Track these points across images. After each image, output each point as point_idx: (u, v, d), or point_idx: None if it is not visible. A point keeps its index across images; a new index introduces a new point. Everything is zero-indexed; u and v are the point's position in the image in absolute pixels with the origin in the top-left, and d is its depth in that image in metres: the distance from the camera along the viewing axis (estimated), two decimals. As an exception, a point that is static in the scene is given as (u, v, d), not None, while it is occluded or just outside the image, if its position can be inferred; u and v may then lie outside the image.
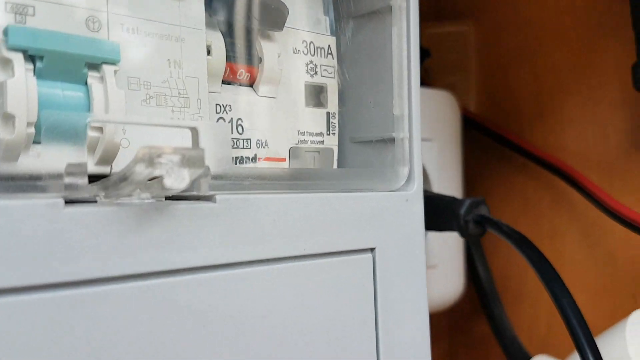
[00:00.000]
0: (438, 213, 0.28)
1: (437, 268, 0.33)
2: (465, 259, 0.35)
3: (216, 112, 0.18)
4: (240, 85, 0.19)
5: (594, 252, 0.33)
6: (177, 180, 0.14)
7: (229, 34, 0.18)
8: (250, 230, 0.16)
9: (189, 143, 0.15)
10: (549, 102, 0.35)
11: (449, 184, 0.34)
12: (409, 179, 0.20)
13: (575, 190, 0.32)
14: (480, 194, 0.39)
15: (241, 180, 0.16)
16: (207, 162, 0.14)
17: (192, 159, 0.14)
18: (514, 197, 0.37)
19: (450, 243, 0.33)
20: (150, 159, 0.13)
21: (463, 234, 0.27)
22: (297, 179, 0.17)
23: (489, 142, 0.37)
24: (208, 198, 0.15)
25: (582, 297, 0.25)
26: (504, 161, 0.37)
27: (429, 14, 0.35)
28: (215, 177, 0.15)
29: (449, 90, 0.34)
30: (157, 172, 0.13)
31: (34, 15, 0.14)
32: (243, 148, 0.18)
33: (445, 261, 0.33)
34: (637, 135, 0.31)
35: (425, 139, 0.32)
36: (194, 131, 0.15)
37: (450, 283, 0.34)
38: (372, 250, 0.19)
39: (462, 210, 0.27)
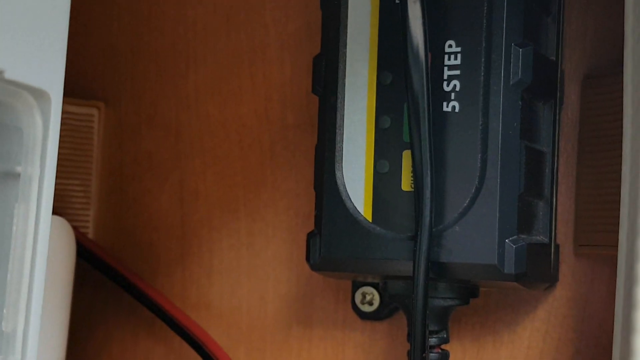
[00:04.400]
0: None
1: None
2: None
3: None
4: None
5: None
6: None
7: None
8: None
9: None
10: (194, 241, 0.40)
11: (49, 345, 0.36)
12: None
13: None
14: (90, 355, 0.42)
15: None
16: None
17: None
18: (135, 366, 0.41)
19: None
20: None
21: None
22: None
23: (108, 283, 0.41)
24: None
25: None
26: (126, 313, 0.41)
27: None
28: None
29: (63, 213, 0.37)
30: None
31: None
32: None
33: None
34: (300, 306, 0.39)
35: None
36: None
37: None
38: None
39: None
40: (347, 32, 0.33)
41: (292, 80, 0.39)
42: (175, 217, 0.41)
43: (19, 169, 0.22)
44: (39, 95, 0.22)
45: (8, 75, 0.21)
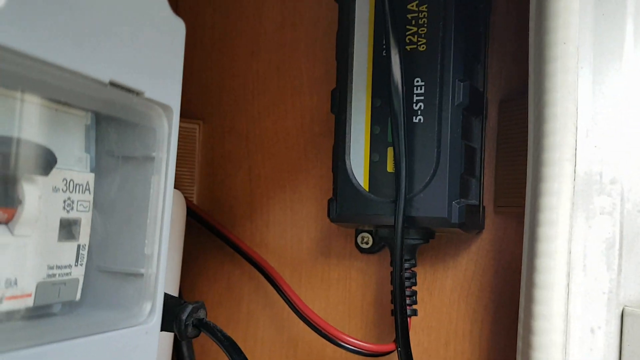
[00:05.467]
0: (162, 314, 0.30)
1: None
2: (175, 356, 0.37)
3: (-35, 257, 0.17)
4: (-6, 224, 0.18)
5: (281, 336, 0.39)
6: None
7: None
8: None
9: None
10: (257, 204, 0.40)
11: (170, 267, 0.36)
12: (151, 312, 0.22)
13: (269, 284, 0.38)
14: (194, 276, 0.42)
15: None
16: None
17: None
18: (221, 281, 0.41)
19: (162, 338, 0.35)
20: None
21: (181, 336, 0.29)
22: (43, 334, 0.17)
23: (205, 232, 0.41)
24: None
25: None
26: (216, 249, 0.41)
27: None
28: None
29: (177, 188, 0.37)
30: None
31: None
32: (-11, 290, 0.18)
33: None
34: (323, 245, 0.39)
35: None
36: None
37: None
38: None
39: (184, 316, 0.29)
40: (352, 73, 0.32)
41: (318, 105, 0.39)
42: (246, 190, 0.41)
43: (153, 154, 0.22)
44: (165, 108, 0.22)
45: (147, 95, 0.21)
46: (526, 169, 0.26)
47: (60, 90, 0.18)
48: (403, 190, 0.30)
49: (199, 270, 0.42)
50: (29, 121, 0.19)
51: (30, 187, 0.19)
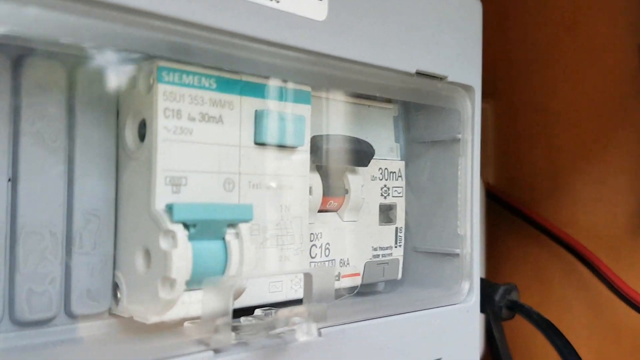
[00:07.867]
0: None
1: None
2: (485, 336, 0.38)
3: (310, 241, 0.20)
4: (328, 212, 0.21)
5: (599, 322, 0.37)
6: (307, 333, 0.16)
7: (324, 173, 0.20)
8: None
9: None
10: (561, 180, 0.38)
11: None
12: (470, 291, 0.23)
13: (583, 265, 0.35)
14: (496, 259, 0.42)
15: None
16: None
17: (316, 314, 0.16)
18: (527, 266, 0.40)
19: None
20: (287, 320, 0.15)
21: (495, 318, 0.30)
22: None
23: (504, 213, 0.40)
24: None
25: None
26: (518, 231, 0.40)
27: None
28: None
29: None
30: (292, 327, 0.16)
31: (186, 185, 0.16)
32: (330, 269, 0.21)
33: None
34: (644, 222, 0.34)
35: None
36: (308, 276, 0.17)
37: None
38: (438, 360, 0.21)
39: (497, 297, 0.29)
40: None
41: (622, 63, 0.35)
42: (546, 166, 0.39)
43: (459, 135, 0.23)
44: (468, 88, 0.23)
45: (450, 79, 0.22)
46: None
47: (372, 86, 0.20)
48: None
49: (501, 253, 0.42)
50: (350, 119, 0.21)
51: (354, 177, 0.21)
